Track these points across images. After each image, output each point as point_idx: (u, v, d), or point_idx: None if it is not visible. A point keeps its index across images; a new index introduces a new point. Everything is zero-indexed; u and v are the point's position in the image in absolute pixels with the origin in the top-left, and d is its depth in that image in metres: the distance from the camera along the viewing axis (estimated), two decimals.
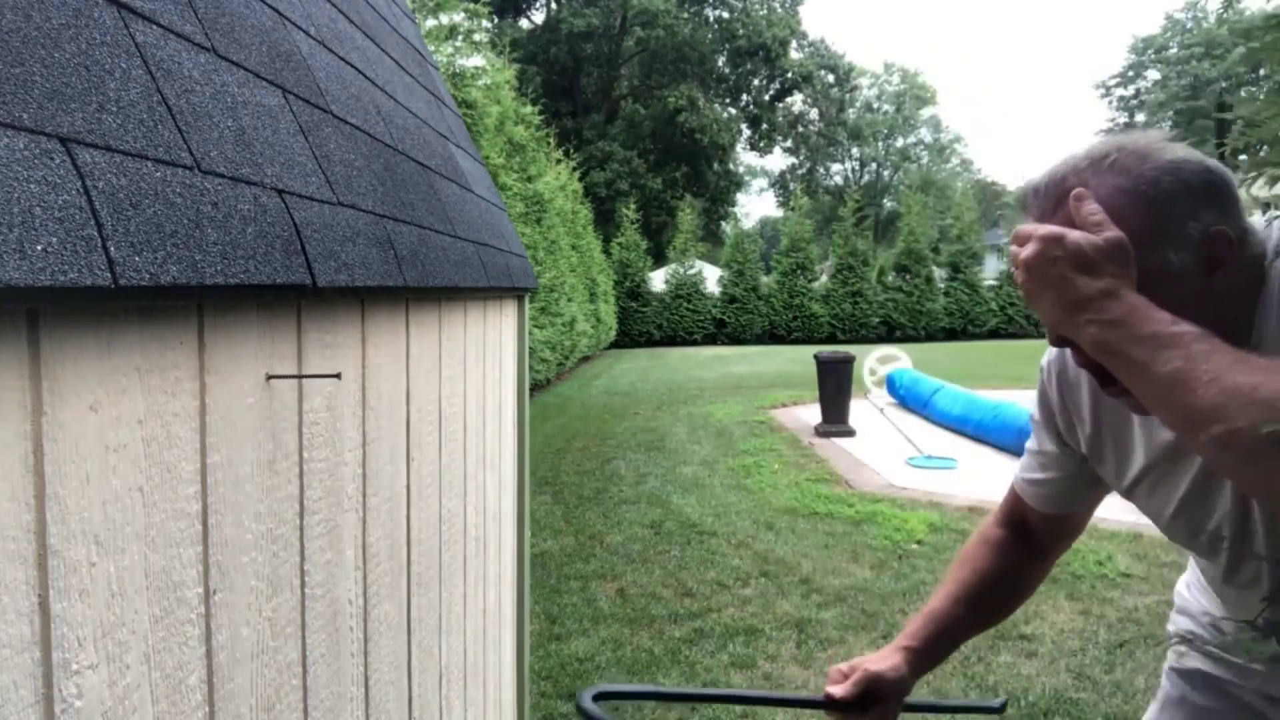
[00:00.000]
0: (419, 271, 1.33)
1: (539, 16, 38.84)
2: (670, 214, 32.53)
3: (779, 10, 40.59)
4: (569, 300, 13.67)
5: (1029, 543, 1.29)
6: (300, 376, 0.99)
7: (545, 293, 11.73)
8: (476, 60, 9.96)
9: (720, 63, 40.81)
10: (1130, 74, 45.51)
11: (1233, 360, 0.77)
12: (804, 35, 43.90)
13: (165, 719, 0.74)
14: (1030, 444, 1.26)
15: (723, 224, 37.87)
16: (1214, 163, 0.94)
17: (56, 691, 0.60)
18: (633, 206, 24.73)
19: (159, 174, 0.70)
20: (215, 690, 0.81)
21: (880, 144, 55.05)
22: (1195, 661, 1.32)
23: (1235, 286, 0.92)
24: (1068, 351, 1.03)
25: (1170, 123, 40.50)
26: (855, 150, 53.65)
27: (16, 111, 0.56)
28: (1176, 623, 1.39)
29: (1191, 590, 1.37)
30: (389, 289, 1.21)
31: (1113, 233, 0.86)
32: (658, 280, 24.78)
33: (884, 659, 1.21)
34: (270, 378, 0.92)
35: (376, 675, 1.26)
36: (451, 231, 1.68)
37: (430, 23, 9.31)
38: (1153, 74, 44.41)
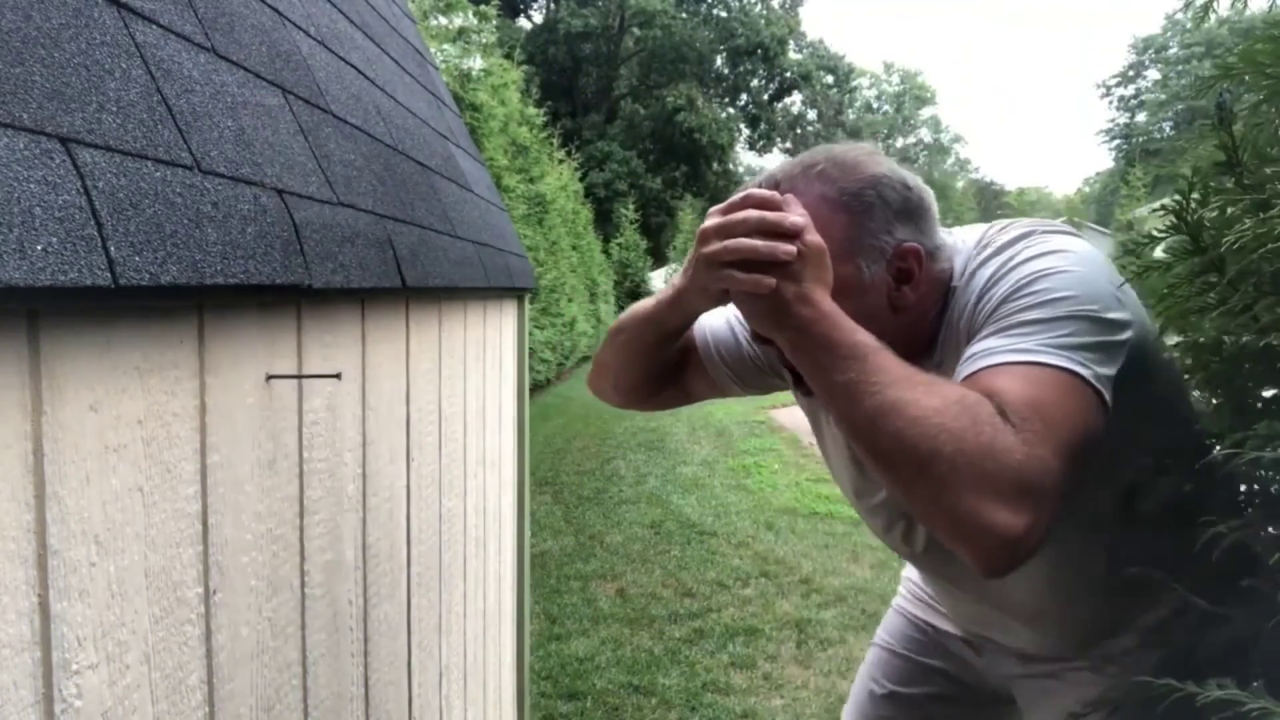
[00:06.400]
0: (419, 271, 1.33)
1: (538, 17, 38.83)
2: (670, 214, 32.54)
3: (777, 9, 40.59)
4: (569, 301, 13.66)
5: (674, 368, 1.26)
6: (300, 376, 0.99)
7: (546, 294, 11.72)
8: (482, 62, 9.95)
9: (719, 62, 40.80)
10: (1130, 74, 45.49)
11: (900, 376, 0.80)
12: (803, 35, 43.87)
13: (165, 719, 0.74)
14: (732, 332, 1.23)
15: None
16: (915, 180, 0.98)
17: (56, 691, 0.60)
18: (632, 206, 24.74)
19: (159, 174, 0.70)
20: (215, 690, 0.81)
21: (880, 145, 54.94)
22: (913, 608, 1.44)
23: (923, 300, 0.96)
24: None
25: (1170, 123, 40.50)
26: None
27: (16, 111, 0.56)
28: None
29: None
30: (389, 289, 1.21)
31: (813, 238, 0.87)
32: (658, 280, 24.80)
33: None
34: (270, 378, 0.92)
35: (376, 675, 1.26)
36: (451, 231, 1.68)
37: (436, 22, 9.30)
38: (1153, 74, 44.41)
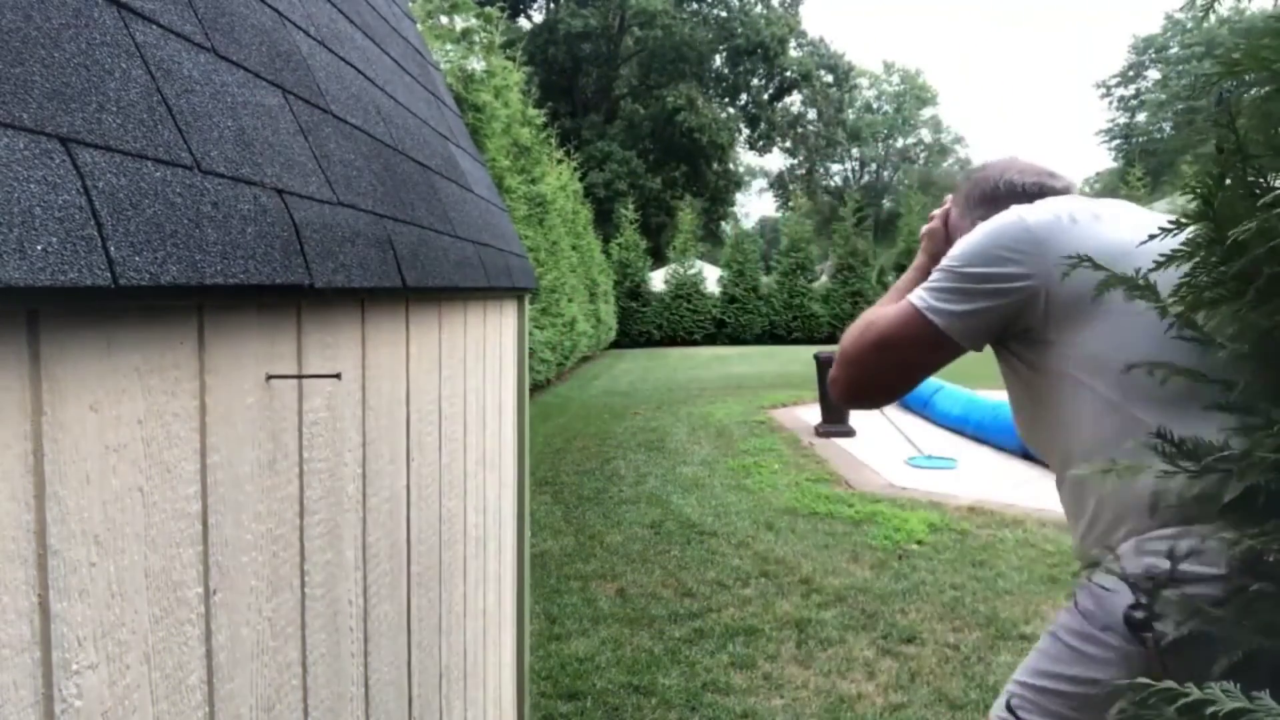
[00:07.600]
0: (419, 271, 1.33)
1: (539, 17, 38.81)
2: (669, 214, 32.52)
3: (777, 8, 40.55)
4: (569, 301, 13.66)
5: None
6: (300, 376, 0.99)
7: (546, 294, 11.72)
8: (483, 63, 9.93)
9: (718, 62, 40.78)
10: (1130, 74, 45.43)
11: (879, 305, 1.39)
12: (803, 34, 43.83)
13: (165, 719, 0.74)
14: None
15: (722, 224, 37.80)
16: (1005, 178, 1.45)
17: (56, 691, 0.60)
18: (631, 206, 24.72)
19: (159, 174, 0.70)
20: (215, 690, 0.81)
21: (880, 145, 54.98)
22: None
23: None
24: None
25: (1170, 122, 40.46)
26: (855, 150, 53.57)
27: (16, 111, 0.56)
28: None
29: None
30: (389, 289, 1.21)
31: (930, 225, 1.58)
32: (657, 280, 24.77)
33: None
34: (270, 378, 0.92)
35: (376, 675, 1.26)
36: (451, 231, 1.68)
37: (437, 20, 9.28)
38: (1153, 74, 44.35)
